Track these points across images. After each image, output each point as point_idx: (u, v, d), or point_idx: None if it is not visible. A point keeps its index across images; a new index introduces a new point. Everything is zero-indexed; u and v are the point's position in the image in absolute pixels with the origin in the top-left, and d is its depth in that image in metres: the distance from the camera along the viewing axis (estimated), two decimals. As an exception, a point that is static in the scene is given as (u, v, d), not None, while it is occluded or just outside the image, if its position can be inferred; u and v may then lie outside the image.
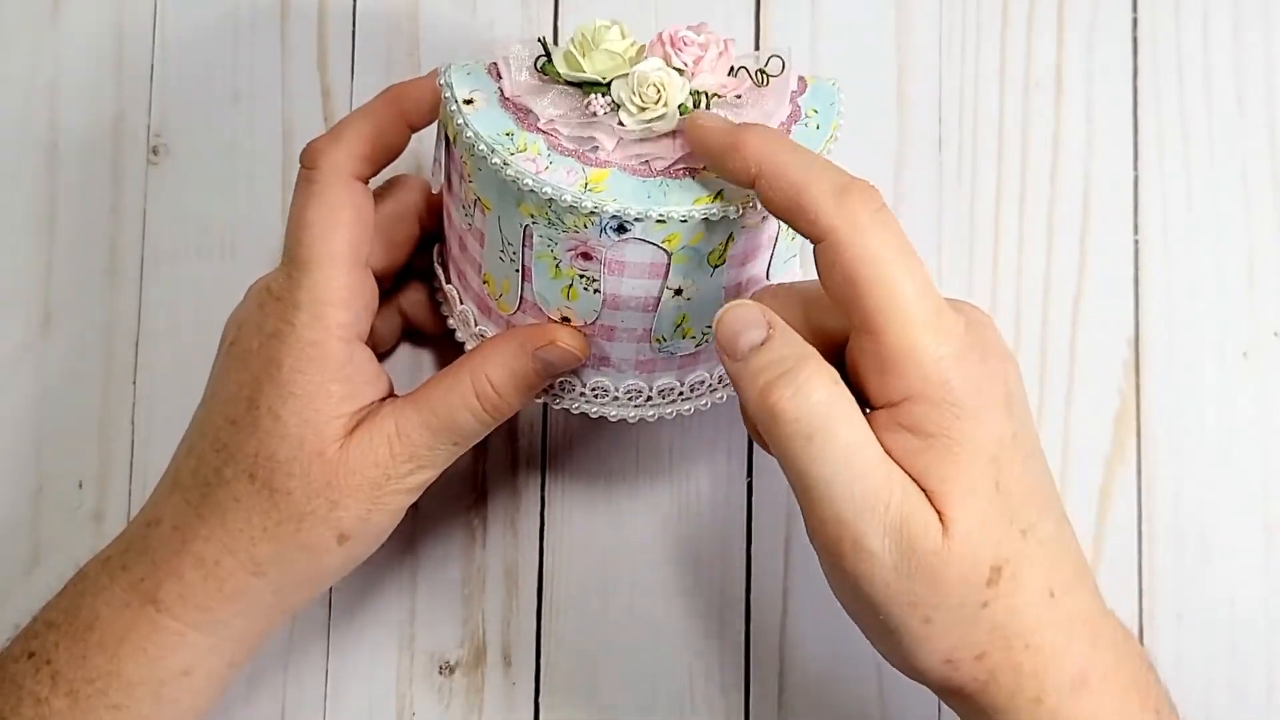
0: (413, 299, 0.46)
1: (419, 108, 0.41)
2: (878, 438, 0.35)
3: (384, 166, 0.42)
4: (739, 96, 0.39)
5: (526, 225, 0.38)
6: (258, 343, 0.40)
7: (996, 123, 0.49)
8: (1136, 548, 0.48)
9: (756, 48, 0.49)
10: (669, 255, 0.38)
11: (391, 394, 0.42)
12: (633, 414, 0.43)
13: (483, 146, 0.38)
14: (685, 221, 0.37)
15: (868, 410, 0.36)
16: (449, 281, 0.44)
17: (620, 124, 0.38)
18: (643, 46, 0.39)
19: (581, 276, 0.39)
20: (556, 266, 0.39)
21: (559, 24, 0.50)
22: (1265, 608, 0.48)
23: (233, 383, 0.40)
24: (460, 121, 0.38)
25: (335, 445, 0.39)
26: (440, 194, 0.43)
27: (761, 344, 0.36)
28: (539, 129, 0.38)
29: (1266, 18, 0.50)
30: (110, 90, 0.49)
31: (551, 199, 0.37)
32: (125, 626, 0.39)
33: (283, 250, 0.41)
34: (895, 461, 0.35)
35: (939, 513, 0.35)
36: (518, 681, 0.48)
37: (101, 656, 0.39)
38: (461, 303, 0.43)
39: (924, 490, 0.35)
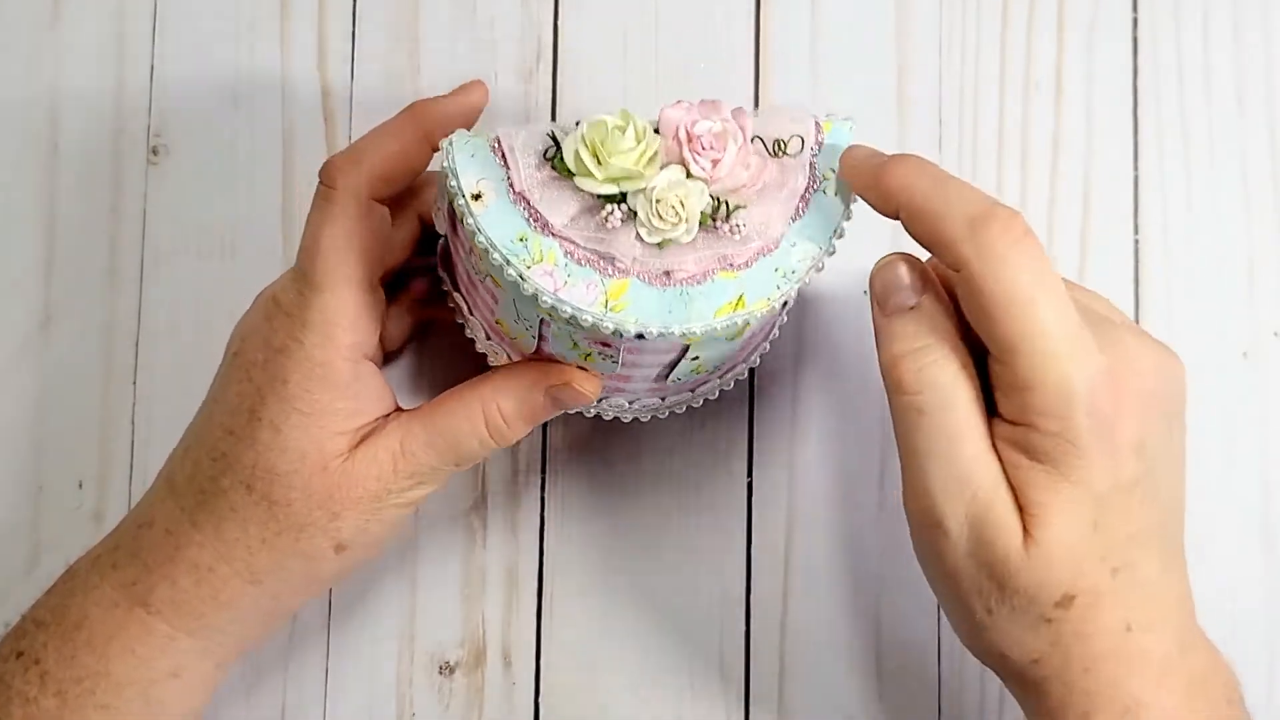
0: (421, 290, 0.46)
1: (443, 128, 0.41)
2: (992, 440, 0.36)
3: (404, 187, 0.42)
4: (761, 189, 0.38)
5: (543, 319, 0.38)
6: (263, 356, 0.40)
7: (996, 123, 0.49)
8: (1136, 548, 0.48)
9: (756, 50, 0.49)
10: (686, 345, 0.39)
11: (396, 409, 0.42)
12: (646, 417, 0.44)
13: (497, 256, 0.36)
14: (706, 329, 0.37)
15: (996, 411, 0.37)
16: (456, 289, 0.43)
17: (639, 237, 0.36)
18: (656, 152, 0.36)
19: (600, 354, 0.39)
20: (574, 344, 0.39)
21: (559, 24, 0.50)
22: (1265, 608, 0.48)
23: (234, 393, 0.40)
24: (471, 223, 0.37)
25: (338, 460, 0.40)
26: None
27: (910, 309, 0.37)
28: (553, 233, 0.37)
29: (1266, 18, 0.50)
30: (110, 90, 0.49)
31: (572, 316, 0.36)
32: (114, 627, 0.39)
33: (296, 263, 0.40)
34: (1000, 464, 0.36)
35: (1025, 528, 0.36)
36: (518, 681, 0.48)
37: (90, 656, 0.39)
38: (471, 313, 0.43)
39: (1018, 503, 0.36)
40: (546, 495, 0.48)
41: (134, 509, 0.42)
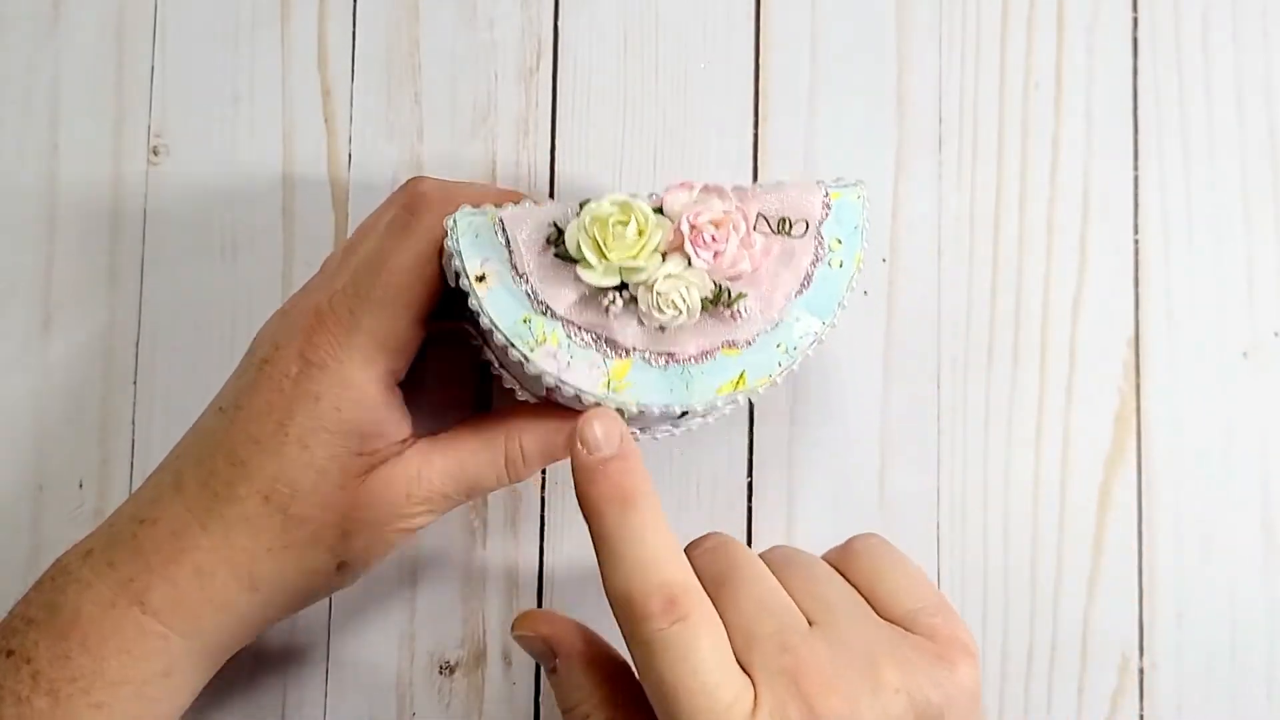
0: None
1: None
2: None
3: None
4: (764, 271, 0.38)
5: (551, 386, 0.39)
6: (297, 369, 0.39)
7: (996, 123, 0.49)
8: (1136, 547, 0.48)
9: (756, 50, 0.49)
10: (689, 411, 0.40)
11: (412, 434, 0.42)
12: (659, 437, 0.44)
13: (500, 338, 0.38)
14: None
15: None
16: (486, 344, 0.43)
17: (640, 322, 0.38)
18: (658, 244, 0.37)
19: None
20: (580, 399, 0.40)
21: (559, 24, 0.50)
22: (1265, 607, 0.48)
23: (262, 401, 0.40)
24: (475, 304, 0.38)
25: (356, 480, 0.40)
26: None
27: (552, 672, 0.39)
28: (556, 315, 0.38)
29: (1266, 18, 0.50)
30: (110, 90, 0.49)
31: (577, 395, 0.38)
32: (110, 627, 0.39)
33: (350, 279, 0.40)
34: None
35: None
36: (518, 681, 0.48)
37: (84, 656, 0.39)
38: (502, 366, 0.43)
39: None
40: (546, 495, 0.48)
41: (132, 503, 0.41)
